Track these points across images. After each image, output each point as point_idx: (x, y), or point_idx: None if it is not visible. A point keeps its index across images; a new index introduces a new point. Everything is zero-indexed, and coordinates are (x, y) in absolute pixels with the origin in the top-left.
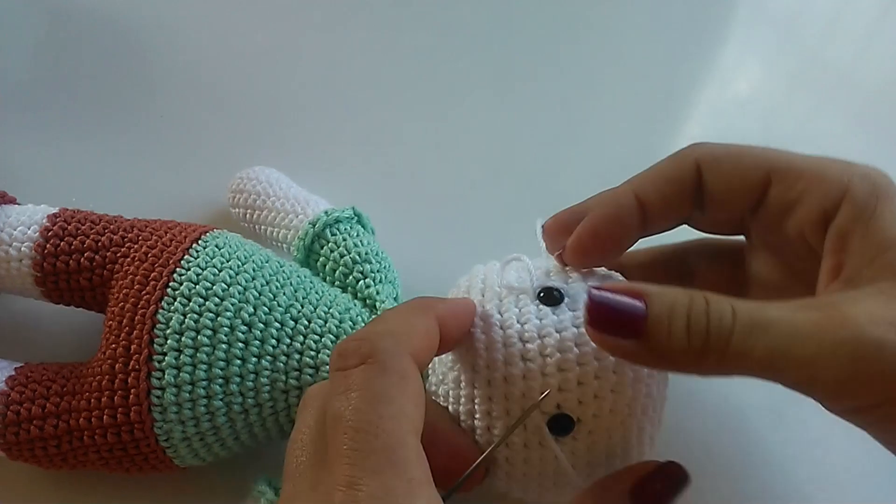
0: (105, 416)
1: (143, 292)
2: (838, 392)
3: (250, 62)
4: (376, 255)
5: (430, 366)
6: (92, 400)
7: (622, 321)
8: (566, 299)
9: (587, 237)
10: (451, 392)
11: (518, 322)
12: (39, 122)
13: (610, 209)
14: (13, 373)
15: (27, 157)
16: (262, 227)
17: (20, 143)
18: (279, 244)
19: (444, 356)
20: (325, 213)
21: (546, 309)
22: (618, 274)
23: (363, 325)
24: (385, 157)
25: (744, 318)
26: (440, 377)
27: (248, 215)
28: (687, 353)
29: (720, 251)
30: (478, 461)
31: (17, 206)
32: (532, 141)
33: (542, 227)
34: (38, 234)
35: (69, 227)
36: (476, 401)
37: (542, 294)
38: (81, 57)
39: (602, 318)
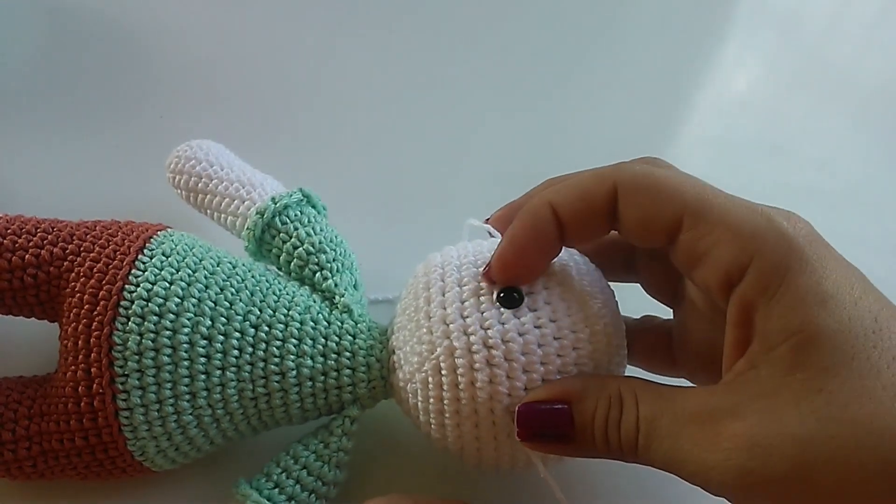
0: (77, 439)
1: (95, 313)
2: (727, 496)
3: (250, 62)
4: (330, 241)
5: (396, 356)
6: (61, 423)
7: (550, 436)
8: (525, 300)
9: (511, 256)
10: (419, 390)
11: (481, 328)
12: (36, 123)
13: (528, 223)
14: None
15: (24, 157)
16: (207, 210)
17: (17, 144)
18: (228, 230)
19: (410, 356)
20: (273, 200)
21: (508, 312)
22: (574, 250)
23: (325, 323)
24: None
25: (643, 430)
26: (408, 375)
27: (191, 198)
28: (607, 453)
29: (663, 255)
30: None
31: None
32: (529, 140)
33: (488, 221)
34: None
35: (5, 242)
36: (444, 401)
37: (502, 295)
38: (80, 58)
39: (532, 435)
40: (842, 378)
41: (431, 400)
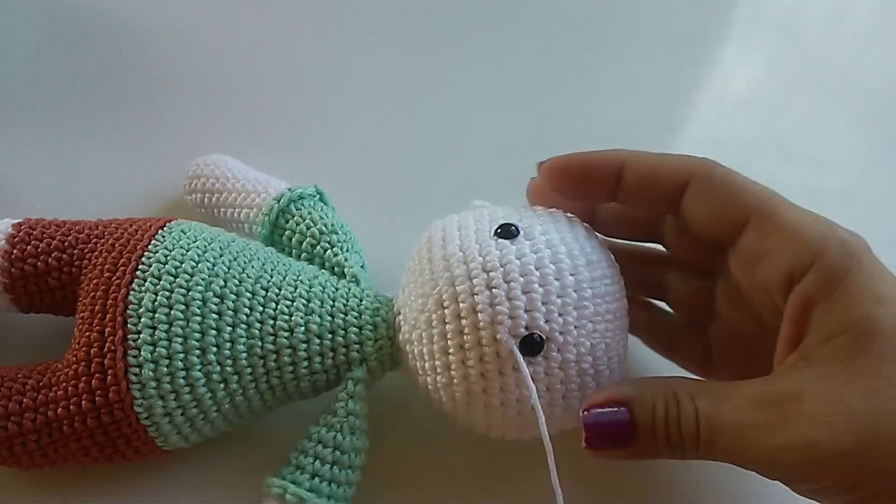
0: (83, 402)
1: (114, 278)
2: (788, 481)
3: (250, 62)
4: (341, 227)
5: (401, 315)
6: (69, 388)
7: (615, 439)
8: (522, 232)
9: (564, 164)
10: (423, 333)
11: (480, 255)
12: (36, 123)
13: (594, 159)
14: None
15: (24, 157)
16: (223, 209)
17: (18, 144)
18: (241, 224)
19: (414, 302)
20: (289, 189)
21: (504, 241)
22: (573, 217)
23: (333, 287)
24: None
25: (704, 424)
26: (412, 322)
27: (206, 199)
28: (670, 452)
29: (695, 277)
30: None
31: None
32: (529, 139)
33: (541, 163)
34: (4, 241)
35: (34, 232)
36: (448, 336)
37: (499, 230)
38: (80, 58)
39: (599, 440)
40: None
41: (435, 338)
